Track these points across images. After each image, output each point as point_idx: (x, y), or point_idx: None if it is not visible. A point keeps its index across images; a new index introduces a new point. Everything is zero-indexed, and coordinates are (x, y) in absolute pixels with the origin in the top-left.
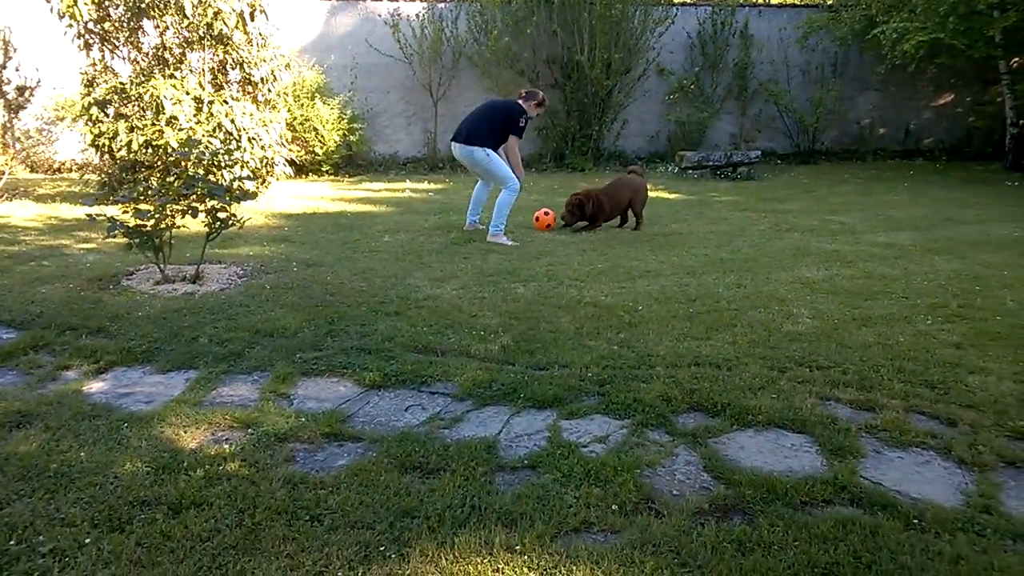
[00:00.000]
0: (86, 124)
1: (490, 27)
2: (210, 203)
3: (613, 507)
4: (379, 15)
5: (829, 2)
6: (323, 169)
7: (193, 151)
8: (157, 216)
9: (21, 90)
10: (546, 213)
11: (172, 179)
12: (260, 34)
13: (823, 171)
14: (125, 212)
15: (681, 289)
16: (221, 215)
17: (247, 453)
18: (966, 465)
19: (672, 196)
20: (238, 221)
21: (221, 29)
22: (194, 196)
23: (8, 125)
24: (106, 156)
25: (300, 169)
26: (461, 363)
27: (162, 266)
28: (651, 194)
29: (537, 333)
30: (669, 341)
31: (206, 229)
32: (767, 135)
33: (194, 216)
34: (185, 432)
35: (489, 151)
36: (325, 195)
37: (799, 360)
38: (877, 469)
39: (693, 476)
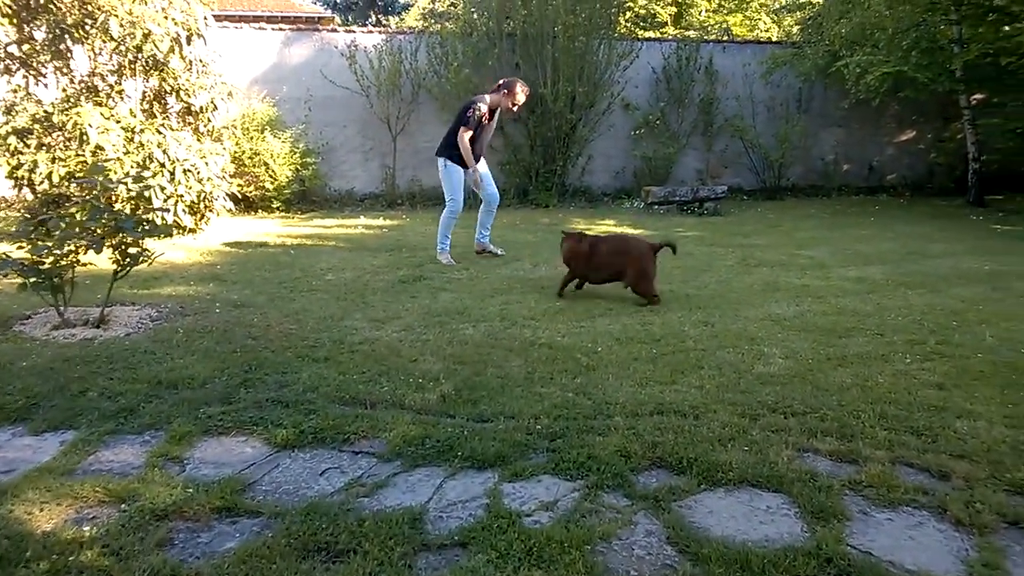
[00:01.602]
0: (3, 155)
1: (450, 59)
2: (117, 238)
3: None
4: (335, 46)
5: (793, 39)
6: (274, 205)
7: (99, 178)
8: (56, 252)
9: None
10: None
11: (74, 210)
12: (200, 60)
13: (789, 207)
14: (20, 248)
15: (644, 328)
16: (132, 251)
17: (111, 537)
18: (964, 527)
19: (637, 232)
20: (149, 257)
21: (154, 54)
22: (99, 230)
23: None
24: (24, 190)
25: (249, 205)
26: (392, 416)
27: (61, 308)
28: (617, 229)
29: (483, 379)
30: (630, 386)
31: (113, 267)
32: (733, 171)
33: (98, 251)
34: (41, 511)
35: (446, 161)
36: (271, 232)
37: (772, 406)
38: (865, 535)
39: (655, 550)
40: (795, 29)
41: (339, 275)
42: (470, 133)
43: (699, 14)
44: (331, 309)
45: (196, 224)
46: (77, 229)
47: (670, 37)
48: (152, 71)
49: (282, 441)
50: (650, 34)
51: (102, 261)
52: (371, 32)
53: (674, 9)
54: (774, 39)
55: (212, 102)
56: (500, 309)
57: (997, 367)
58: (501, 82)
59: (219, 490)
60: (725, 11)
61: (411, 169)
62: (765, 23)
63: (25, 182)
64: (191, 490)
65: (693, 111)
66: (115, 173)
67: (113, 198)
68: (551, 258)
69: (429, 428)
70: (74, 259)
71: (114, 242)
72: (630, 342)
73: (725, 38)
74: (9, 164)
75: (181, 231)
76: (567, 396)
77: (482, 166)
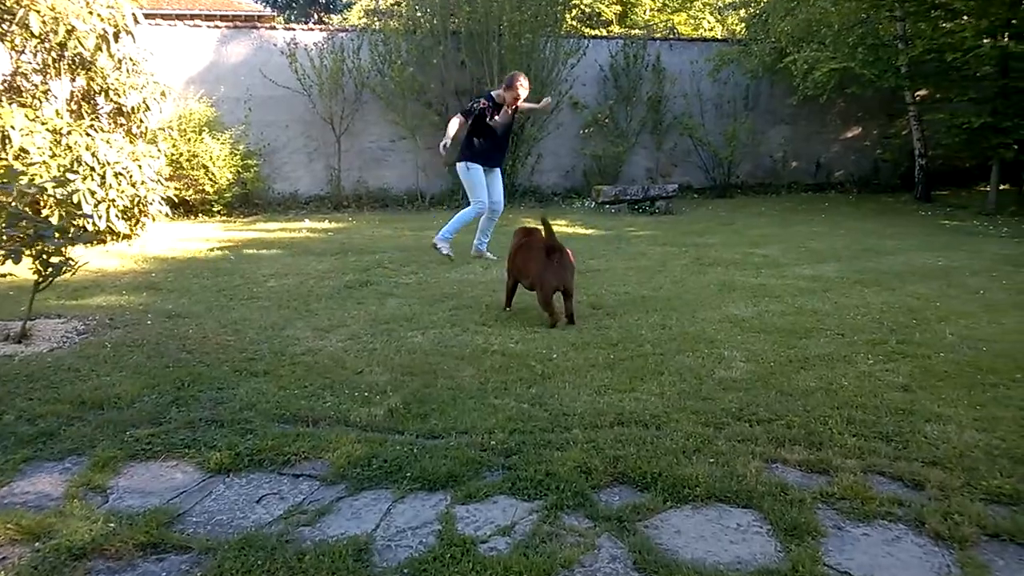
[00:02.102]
0: None
1: (394, 57)
2: (37, 246)
3: None
4: (275, 44)
5: (739, 36)
6: (214, 209)
7: (15, 183)
8: None
9: None
10: None
11: None
12: (130, 59)
13: (739, 204)
14: None
15: (600, 332)
16: (54, 260)
17: None
18: (943, 541)
19: (589, 231)
20: (73, 267)
21: (80, 52)
22: (17, 238)
23: None
24: None
25: (189, 209)
26: (336, 434)
27: None
28: (569, 230)
29: (433, 391)
30: (588, 395)
31: (35, 277)
32: (683, 169)
33: (16, 262)
34: None
35: (468, 163)
36: (211, 236)
37: (737, 413)
38: (841, 552)
39: None
40: (740, 27)
41: (281, 281)
42: (460, 119)
43: (643, 13)
44: (272, 318)
45: (131, 230)
46: None
47: (616, 35)
48: (79, 70)
49: (216, 465)
50: (596, 32)
51: (23, 271)
52: (312, 30)
53: (619, 8)
54: (719, 37)
55: (144, 102)
56: (450, 315)
57: (960, 366)
58: (506, 77)
59: (144, 523)
60: (669, 10)
61: (356, 170)
62: (709, 22)
63: None
64: (113, 524)
65: (642, 109)
66: (40, 177)
67: (40, 204)
68: (502, 258)
69: (376, 447)
70: None
71: (34, 251)
72: (586, 347)
73: (672, 36)
74: None
75: (115, 237)
76: (522, 408)
77: (497, 172)
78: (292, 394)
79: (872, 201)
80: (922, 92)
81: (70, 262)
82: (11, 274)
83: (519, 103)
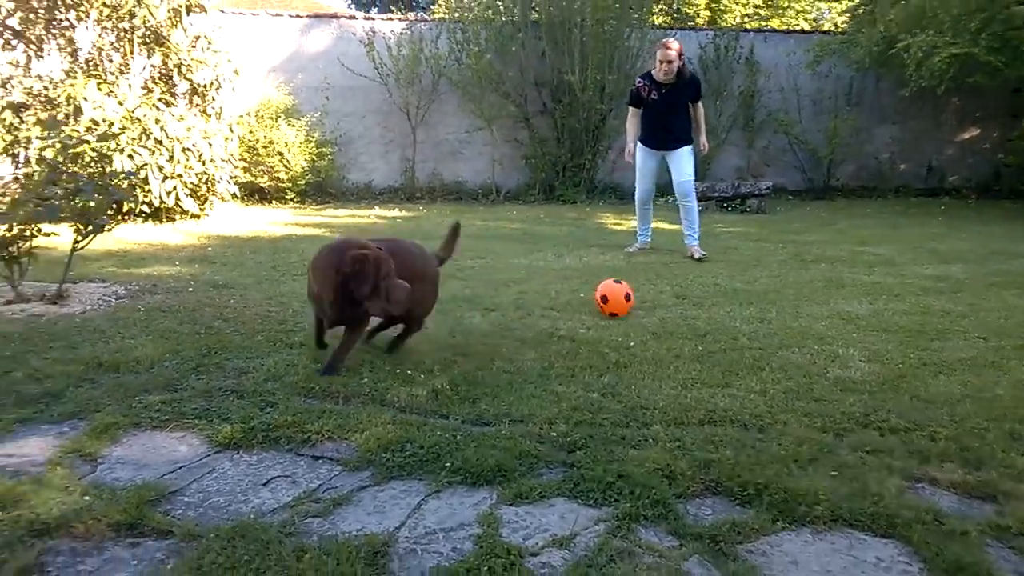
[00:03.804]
0: None
1: (472, 45)
2: (78, 201)
3: None
4: (354, 33)
5: (841, 28)
6: (287, 196)
7: (57, 133)
8: (11, 219)
9: None
10: (604, 300)
11: (32, 173)
12: (205, 37)
13: (840, 207)
14: None
15: (686, 322)
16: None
17: None
18: None
19: (673, 226)
20: (110, 224)
21: (151, 23)
22: (62, 195)
23: None
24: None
25: (263, 196)
26: (368, 414)
27: (15, 281)
28: (657, 226)
29: (487, 374)
30: (671, 388)
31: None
32: (776, 169)
33: (54, 220)
34: None
35: (637, 145)
36: (278, 220)
37: (861, 419)
38: None
39: None
40: (840, 20)
41: None
42: (632, 109)
43: (734, 19)
44: None
45: (199, 209)
46: (34, 193)
47: (707, 27)
48: (153, 45)
49: (225, 439)
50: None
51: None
52: (391, 19)
53: (708, 14)
54: (821, 29)
55: (217, 79)
56: (515, 298)
57: None
58: None
59: (126, 500)
60: (762, 15)
61: (432, 162)
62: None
63: (20, 159)
64: (90, 498)
65: (732, 104)
66: (108, 149)
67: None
68: (576, 248)
69: (412, 430)
70: (31, 228)
71: (74, 209)
72: (669, 337)
73: (766, 27)
74: (4, 140)
75: (183, 216)
76: (591, 397)
77: (676, 153)
78: None
79: (996, 207)
80: None
81: (107, 219)
82: (55, 233)
83: (664, 66)
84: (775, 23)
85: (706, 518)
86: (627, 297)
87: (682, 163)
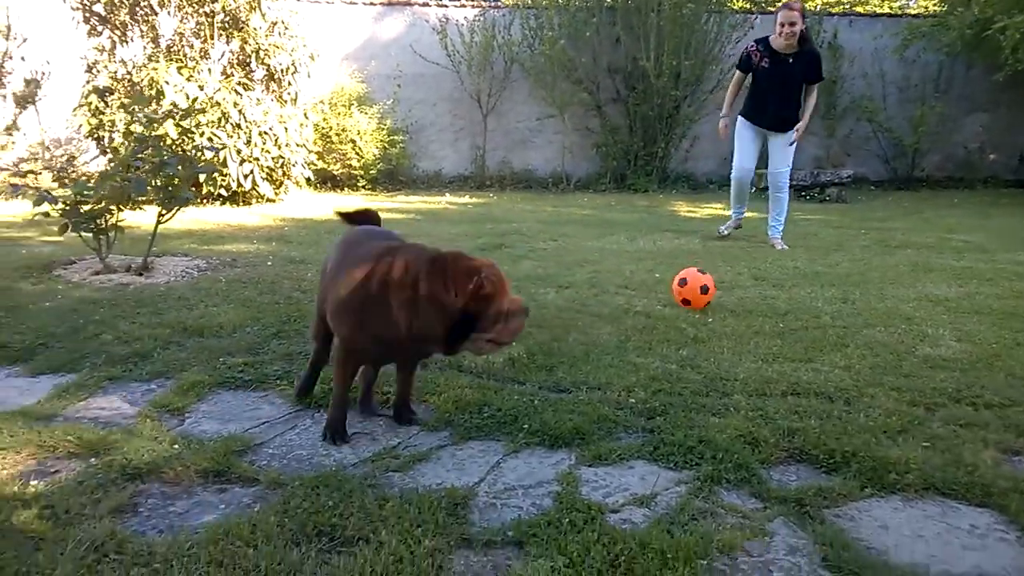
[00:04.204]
0: (85, 114)
1: (545, 30)
2: (162, 175)
3: None
4: (427, 20)
5: (933, 9)
6: (359, 184)
7: (144, 106)
8: (99, 194)
9: (28, 82)
10: (682, 283)
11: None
12: (283, 22)
13: (925, 197)
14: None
15: (766, 301)
16: (181, 194)
17: (60, 496)
18: None
19: (748, 214)
20: (193, 198)
21: (230, 8)
22: (147, 169)
23: (14, 122)
24: (107, 148)
25: (335, 184)
26: (446, 378)
27: (103, 253)
28: (726, 212)
29: (563, 345)
30: (752, 362)
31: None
32: (857, 159)
33: (139, 194)
34: None
35: (739, 117)
36: (351, 206)
37: (953, 394)
38: None
39: (804, 575)
40: (930, 4)
41: (412, 240)
42: (737, 73)
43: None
44: None
45: (275, 193)
46: (121, 167)
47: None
48: (232, 31)
49: (307, 398)
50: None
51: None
52: (464, 6)
53: None
54: (911, 12)
55: (294, 64)
56: (589, 277)
57: None
58: None
59: (213, 450)
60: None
61: (502, 151)
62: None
63: (106, 141)
64: (179, 447)
65: (813, 91)
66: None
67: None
68: (649, 233)
69: (489, 394)
70: (119, 199)
71: (158, 182)
72: (748, 315)
73: (852, 10)
74: (90, 124)
75: (259, 199)
76: (669, 368)
77: (780, 137)
78: None
79: None
80: None
81: (191, 192)
82: (140, 207)
83: (786, 29)
84: (860, 8)
85: (791, 483)
86: (704, 289)
87: (783, 150)
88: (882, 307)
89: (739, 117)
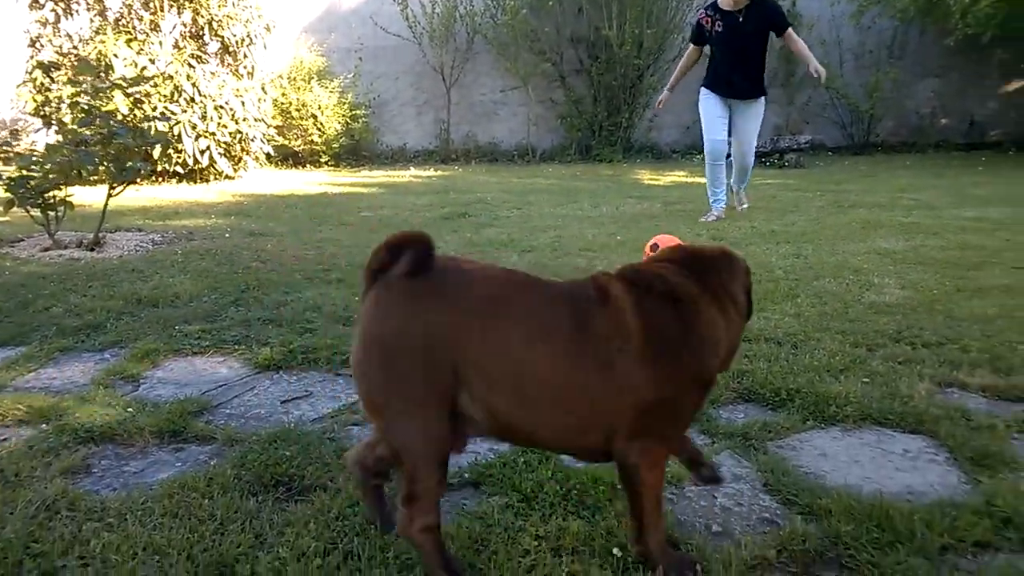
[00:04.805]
0: (30, 91)
1: (508, 0)
2: (112, 147)
3: (599, 562)
4: None
5: None
6: (322, 159)
7: (91, 75)
8: (46, 167)
9: None
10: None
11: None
12: None
13: (880, 161)
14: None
15: None
16: (131, 163)
17: (10, 461)
18: None
19: (700, 180)
20: (145, 171)
21: None
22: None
23: None
24: (54, 126)
25: (297, 161)
26: None
27: (52, 229)
28: (689, 179)
29: None
30: None
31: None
32: (815, 126)
33: (88, 168)
34: None
35: (701, 90)
36: (313, 180)
37: (894, 335)
38: None
39: (747, 501)
40: None
41: (376, 212)
42: (690, 48)
43: None
44: (359, 239)
45: (234, 169)
46: (70, 140)
47: None
48: (184, 1)
49: (265, 361)
50: None
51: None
52: None
53: None
54: None
55: (249, 35)
56: (552, 241)
57: None
58: None
59: (169, 412)
60: None
61: (467, 124)
62: None
63: (52, 118)
64: (135, 411)
65: (772, 60)
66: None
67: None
68: (612, 200)
69: None
70: (67, 173)
71: (106, 153)
72: None
73: None
74: (36, 101)
75: (217, 176)
76: None
77: (745, 107)
78: None
79: None
80: None
81: (143, 164)
82: (89, 182)
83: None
84: None
85: (738, 420)
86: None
87: (748, 122)
88: (833, 261)
89: (703, 89)
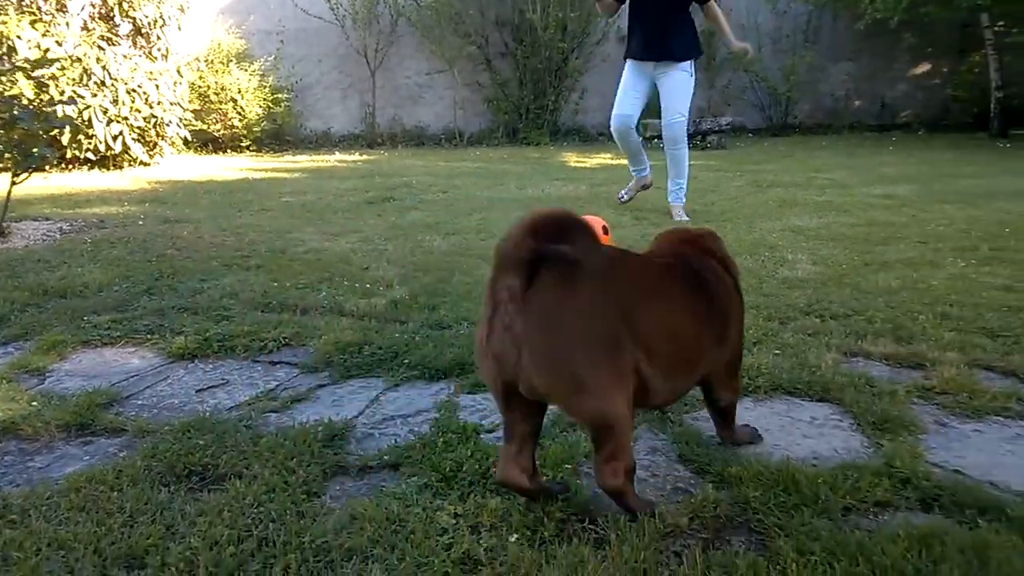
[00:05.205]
0: None
1: None
2: (14, 133)
3: (517, 536)
4: None
5: None
6: (243, 145)
7: None
8: None
9: None
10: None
11: None
12: None
13: (798, 141)
14: None
15: (644, 238)
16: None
17: None
18: None
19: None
20: (53, 158)
21: None
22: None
23: None
24: None
25: (217, 145)
26: (326, 322)
27: None
28: (614, 162)
29: (447, 286)
30: None
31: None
32: (736, 108)
33: None
34: None
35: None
36: (234, 166)
37: (805, 308)
38: (948, 450)
39: (662, 471)
40: None
41: (299, 197)
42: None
43: None
44: (280, 224)
45: (149, 155)
46: None
47: None
48: None
49: (179, 350)
50: None
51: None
52: None
53: None
54: None
55: (161, 16)
56: (477, 223)
57: None
58: None
59: (76, 404)
60: None
61: (392, 108)
62: None
63: None
64: (38, 404)
65: None
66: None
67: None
68: (539, 182)
69: (371, 334)
70: None
71: (9, 139)
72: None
73: None
74: None
75: (131, 162)
76: None
77: (672, 76)
78: (283, 286)
79: (944, 138)
80: (1002, 24)
81: (50, 152)
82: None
83: None
84: None
85: None
86: (605, 230)
87: (677, 92)
88: (750, 238)
89: (627, 62)
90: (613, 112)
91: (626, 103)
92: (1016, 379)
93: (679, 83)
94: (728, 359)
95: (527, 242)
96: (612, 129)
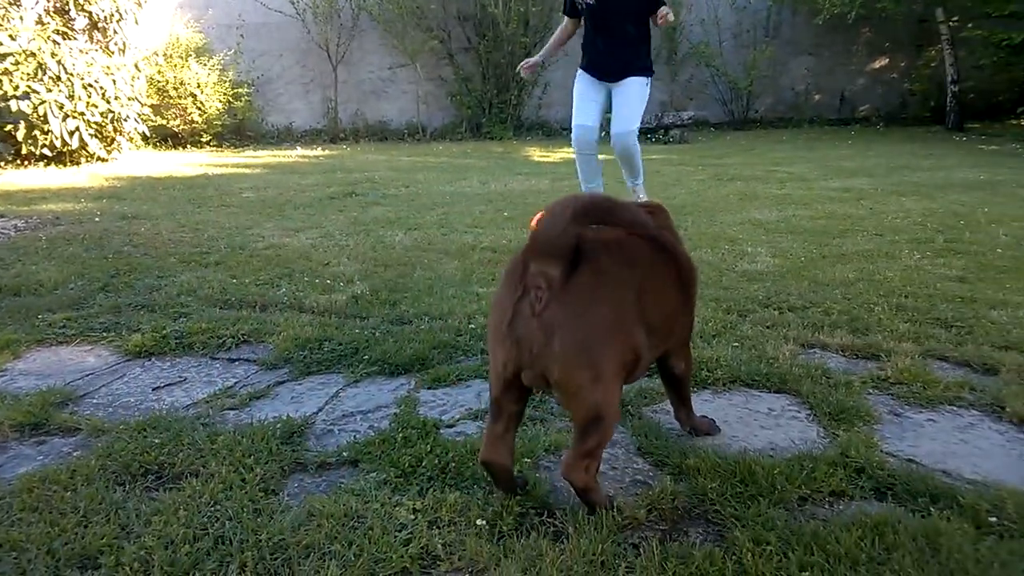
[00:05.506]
0: None
1: None
2: None
3: (479, 524)
4: None
5: None
6: (203, 140)
7: None
8: None
9: None
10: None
11: None
12: None
13: (759, 135)
14: None
15: None
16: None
17: None
18: None
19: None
20: (8, 154)
21: None
22: None
23: None
24: None
25: (177, 140)
26: (286, 318)
27: None
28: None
29: (408, 281)
30: None
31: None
32: (698, 102)
33: None
34: None
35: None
36: (194, 162)
37: (763, 301)
38: (902, 439)
39: (621, 464)
40: None
41: (259, 193)
42: (565, 20)
43: None
44: (239, 221)
45: (106, 151)
46: None
47: None
48: None
49: (135, 348)
50: None
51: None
52: None
53: None
54: None
55: (118, 10)
56: (439, 218)
57: (1021, 262)
58: None
59: (30, 404)
60: None
61: (355, 103)
62: None
63: None
64: None
65: (655, 38)
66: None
67: None
68: (502, 177)
69: (331, 330)
70: None
71: None
72: None
73: None
74: None
75: (88, 158)
76: None
77: (624, 87)
78: (243, 282)
79: (902, 132)
80: (957, 19)
81: (3, 150)
82: None
83: None
84: None
85: None
86: None
87: (628, 104)
88: (711, 232)
89: (578, 71)
90: (573, 123)
91: (584, 112)
92: (969, 369)
93: (631, 93)
94: (689, 326)
95: (571, 228)
96: (573, 141)
